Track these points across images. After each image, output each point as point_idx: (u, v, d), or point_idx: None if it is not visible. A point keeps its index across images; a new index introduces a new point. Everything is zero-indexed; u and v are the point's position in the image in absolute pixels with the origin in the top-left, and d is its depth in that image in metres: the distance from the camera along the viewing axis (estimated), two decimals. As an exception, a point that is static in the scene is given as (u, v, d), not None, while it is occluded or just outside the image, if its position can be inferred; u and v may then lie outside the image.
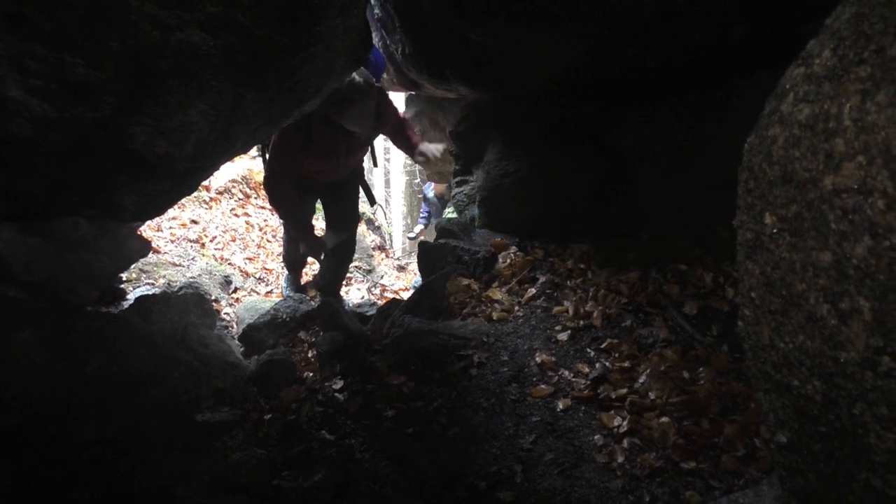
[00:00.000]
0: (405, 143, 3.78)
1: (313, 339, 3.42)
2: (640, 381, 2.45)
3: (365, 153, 3.87)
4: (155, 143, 2.45)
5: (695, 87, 2.80)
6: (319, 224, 4.76)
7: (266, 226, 5.46)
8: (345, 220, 3.99)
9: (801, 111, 0.95)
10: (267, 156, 3.76)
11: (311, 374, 3.10)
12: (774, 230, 1.03)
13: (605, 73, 2.70)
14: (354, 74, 3.12)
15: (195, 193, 5.38)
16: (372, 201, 4.12)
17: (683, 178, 2.89)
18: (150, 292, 3.58)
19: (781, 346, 1.10)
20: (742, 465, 2.09)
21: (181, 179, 2.84)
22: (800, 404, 1.13)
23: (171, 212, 4.86)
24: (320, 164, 3.56)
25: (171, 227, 4.73)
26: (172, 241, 4.54)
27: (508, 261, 3.24)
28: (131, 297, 3.54)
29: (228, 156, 2.87)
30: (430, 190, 7.44)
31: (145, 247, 3.44)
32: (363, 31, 2.59)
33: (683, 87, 2.82)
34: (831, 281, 0.95)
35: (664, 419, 2.28)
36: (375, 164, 4.17)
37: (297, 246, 3.95)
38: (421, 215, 7.98)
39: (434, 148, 3.69)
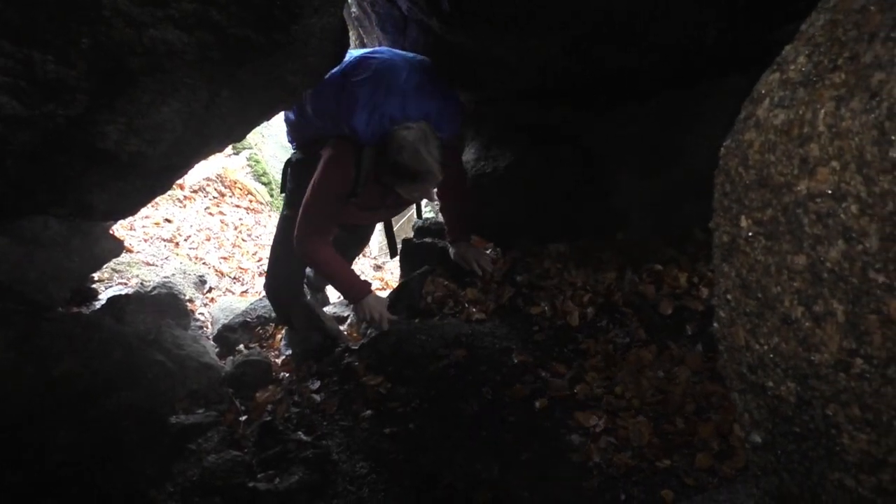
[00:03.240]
0: (452, 210, 3.23)
1: (291, 340, 3.39)
2: (617, 380, 2.47)
3: (406, 207, 3.39)
4: (128, 142, 2.42)
5: (669, 89, 2.83)
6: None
7: (241, 224, 5.41)
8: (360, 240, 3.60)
9: (776, 116, 0.96)
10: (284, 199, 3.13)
11: (287, 375, 3.08)
12: (750, 233, 1.04)
13: (582, 74, 2.71)
14: (424, 148, 2.54)
15: (169, 192, 5.30)
16: (393, 252, 3.50)
17: (658, 179, 2.92)
18: (122, 292, 3.52)
19: (756, 347, 1.11)
20: (717, 463, 2.11)
21: (154, 178, 2.80)
22: (774, 405, 1.15)
23: (144, 210, 4.77)
24: (355, 215, 2.97)
25: (144, 226, 4.66)
26: (146, 241, 4.48)
27: (484, 262, 3.25)
28: (103, 297, 3.48)
29: (203, 154, 2.84)
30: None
31: (118, 247, 3.39)
32: (340, 31, 2.57)
33: (658, 89, 2.84)
34: (806, 284, 0.96)
35: (640, 418, 2.31)
36: (420, 216, 3.78)
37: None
38: None
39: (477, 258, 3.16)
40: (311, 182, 2.74)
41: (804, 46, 0.95)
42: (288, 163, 3.15)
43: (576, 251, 3.09)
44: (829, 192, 0.88)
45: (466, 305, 3.05)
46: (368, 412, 2.64)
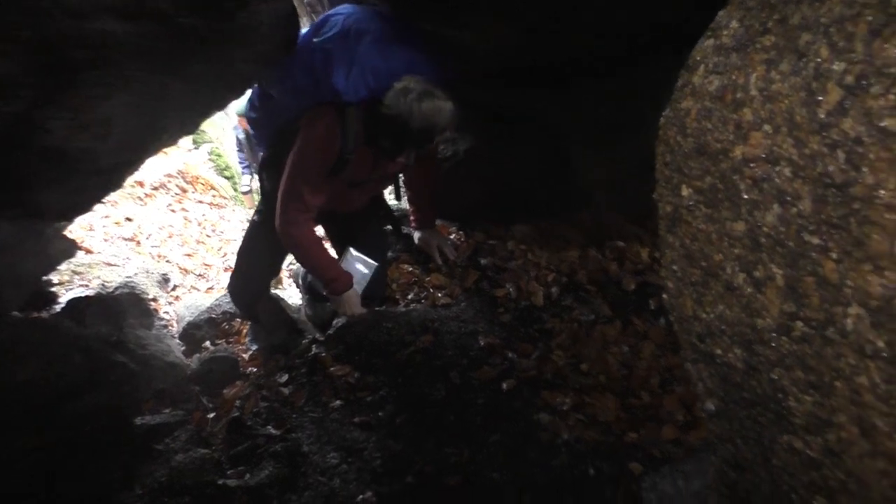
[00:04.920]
0: (420, 196, 3.14)
1: (257, 334, 3.35)
2: (583, 358, 2.49)
3: (388, 183, 3.16)
4: (76, 138, 2.35)
5: (628, 64, 2.82)
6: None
7: (205, 220, 5.33)
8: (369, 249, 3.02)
9: (711, 83, 0.96)
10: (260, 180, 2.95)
11: (255, 370, 3.05)
12: (691, 202, 1.04)
13: (543, 55, 2.71)
14: (432, 102, 2.37)
15: (129, 190, 5.20)
16: (396, 228, 3.33)
17: (620, 155, 2.93)
18: (83, 294, 3.45)
19: (703, 316, 1.12)
20: (682, 434, 2.14)
21: (107, 174, 2.74)
22: (724, 372, 1.16)
23: (103, 209, 4.70)
24: (338, 196, 2.75)
25: (104, 226, 4.57)
26: (106, 241, 4.39)
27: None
28: (64, 300, 3.41)
29: (156, 148, 2.78)
30: (239, 129, 5.70)
31: (71, 247, 3.31)
32: (291, 17, 2.53)
33: (618, 64, 2.84)
34: (746, 250, 0.97)
35: (606, 394, 2.32)
36: (398, 198, 3.49)
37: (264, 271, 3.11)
38: (240, 164, 6.06)
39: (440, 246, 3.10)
40: (291, 155, 2.55)
41: (736, 11, 0.95)
42: (260, 166, 2.97)
43: (539, 231, 3.10)
44: (763, 156, 0.88)
45: (431, 291, 3.03)
46: (337, 402, 2.62)
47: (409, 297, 3.08)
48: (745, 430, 1.20)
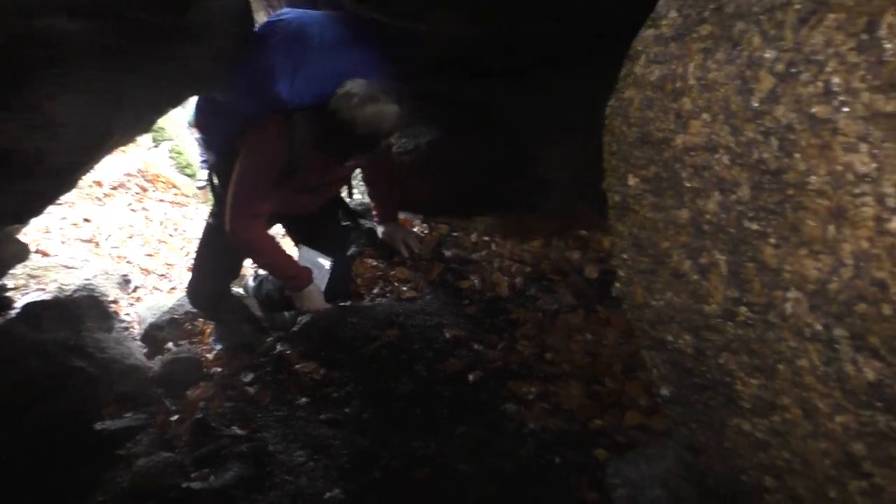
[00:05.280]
0: (380, 191, 3.09)
1: (221, 334, 3.31)
2: (547, 347, 2.50)
3: (343, 185, 3.09)
4: (28, 138, 2.30)
5: (588, 53, 2.84)
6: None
7: (167, 219, 5.24)
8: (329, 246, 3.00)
9: (652, 72, 0.96)
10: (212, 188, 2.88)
11: (219, 370, 3.00)
12: (638, 191, 1.05)
13: (497, 46, 2.71)
14: (375, 106, 2.35)
15: (87, 190, 5.08)
16: (356, 223, 3.29)
17: (579, 145, 2.94)
18: (39, 298, 3.36)
19: (654, 303, 1.13)
20: (646, 419, 2.16)
21: (61, 175, 2.68)
22: (675, 358, 1.17)
23: (60, 211, 4.59)
24: (290, 202, 2.72)
25: (61, 228, 4.46)
26: (63, 243, 4.29)
27: (413, 239, 3.23)
28: (19, 304, 3.32)
29: (110, 148, 2.73)
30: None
31: (23, 251, 3.23)
32: (245, 11, 2.49)
33: (574, 55, 2.85)
34: (690, 237, 0.98)
35: (571, 382, 2.34)
36: (350, 195, 3.34)
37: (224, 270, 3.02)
38: (200, 159, 5.91)
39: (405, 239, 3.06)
40: (238, 164, 2.52)
41: (675, 1, 0.96)
42: (211, 169, 2.92)
43: (503, 222, 3.11)
44: (703, 144, 0.89)
45: (396, 284, 3.03)
46: (304, 400, 2.60)
47: (374, 291, 3.07)
48: (698, 414, 1.22)
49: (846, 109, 0.68)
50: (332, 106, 2.35)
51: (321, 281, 2.81)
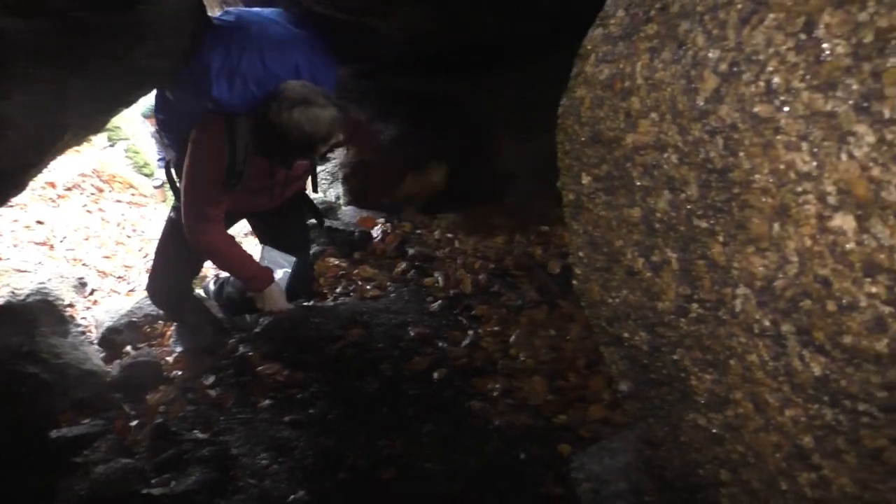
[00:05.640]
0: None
1: (182, 336, 3.25)
2: (511, 343, 2.51)
3: (307, 179, 2.99)
4: (-31, 142, 2.22)
5: (543, 49, 2.85)
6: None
7: (124, 220, 5.11)
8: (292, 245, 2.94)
9: (601, 72, 0.96)
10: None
11: (180, 373, 2.95)
12: (591, 190, 1.05)
13: (456, 41, 2.70)
14: (311, 111, 2.28)
15: (40, 191, 4.93)
16: (320, 221, 3.14)
17: (540, 141, 2.95)
18: (-9, 305, 3.26)
19: (610, 301, 1.14)
20: (609, 413, 2.18)
21: (7, 177, 2.60)
22: (632, 354, 1.18)
23: (11, 214, 4.44)
24: (246, 201, 2.69)
25: (13, 230, 4.32)
26: (15, 246, 4.15)
27: (377, 237, 3.21)
28: (-31, 312, 3.22)
29: (59, 149, 2.64)
30: (152, 127, 5.17)
31: (-26, 256, 3.13)
32: (197, 8, 2.43)
33: (533, 50, 2.86)
34: (642, 235, 0.98)
35: (535, 378, 2.35)
36: (315, 190, 3.20)
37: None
38: (158, 157, 5.66)
39: None
40: (184, 170, 2.50)
41: (622, 0, 0.96)
42: (168, 166, 2.87)
43: (466, 219, 3.11)
44: (652, 143, 0.89)
45: (360, 283, 3.01)
46: (267, 402, 2.57)
47: (338, 290, 3.04)
48: (655, 409, 1.23)
49: (787, 109, 0.68)
50: (263, 109, 2.31)
51: (283, 281, 2.77)
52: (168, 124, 2.75)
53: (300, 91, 2.31)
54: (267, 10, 2.61)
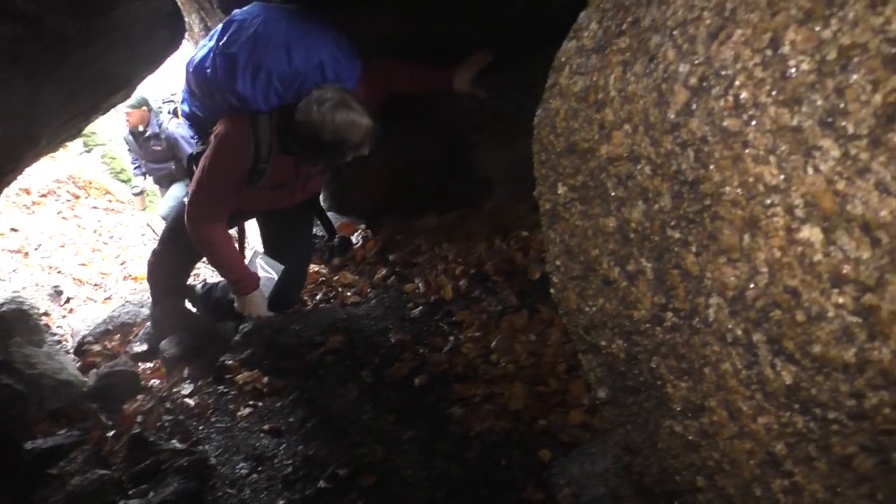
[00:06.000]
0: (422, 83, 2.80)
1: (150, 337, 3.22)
2: (492, 349, 2.51)
3: (325, 177, 2.96)
4: (-58, 149, 2.19)
5: (520, 55, 2.86)
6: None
7: (100, 227, 5.05)
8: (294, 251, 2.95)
9: (575, 83, 0.97)
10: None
11: (157, 382, 2.93)
12: (567, 200, 1.06)
13: (429, 46, 2.70)
14: (347, 113, 2.27)
15: (14, 198, 4.86)
16: (331, 233, 3.10)
17: (517, 146, 2.96)
18: (-37, 315, 3.21)
19: (587, 309, 1.15)
20: (589, 418, 2.19)
21: (-20, 187, 2.56)
22: (609, 362, 1.19)
23: (-18, 222, 4.39)
24: (266, 198, 2.69)
25: (-15, 238, 4.27)
26: (-12, 254, 4.11)
27: (357, 243, 3.21)
28: (-59, 322, 3.16)
29: (34, 155, 2.62)
30: (126, 130, 5.32)
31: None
32: (172, 15, 2.42)
33: (510, 56, 2.87)
34: (618, 245, 0.99)
35: (516, 383, 2.35)
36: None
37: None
38: (133, 164, 5.65)
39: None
40: (202, 163, 2.48)
41: (595, 13, 0.97)
42: (192, 157, 2.79)
43: (446, 224, 3.11)
44: (625, 154, 0.90)
45: (340, 290, 3.00)
46: (246, 410, 2.56)
47: (318, 297, 3.03)
48: (633, 416, 1.24)
49: (755, 123, 0.70)
50: (301, 107, 2.30)
51: (268, 289, 2.76)
52: (192, 117, 2.71)
53: (342, 94, 2.31)
54: (286, 6, 2.57)
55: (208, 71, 2.42)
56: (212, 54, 2.42)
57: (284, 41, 2.36)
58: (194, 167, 2.74)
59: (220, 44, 2.39)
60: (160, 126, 5.12)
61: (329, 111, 2.27)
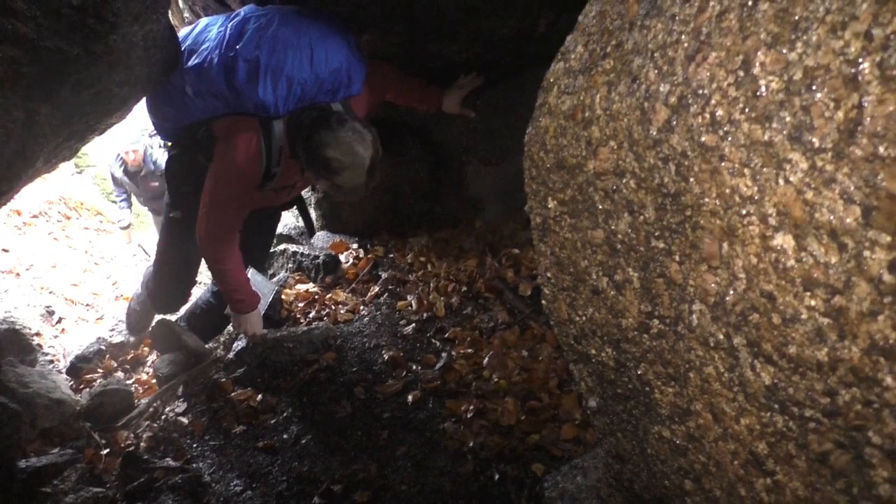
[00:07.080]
0: (413, 98, 2.79)
1: (152, 363, 3.23)
2: (484, 365, 2.55)
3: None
4: (-63, 170, 2.21)
5: (507, 76, 2.93)
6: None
7: (91, 247, 5.05)
8: (266, 244, 3.02)
9: (563, 103, 1.03)
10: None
11: (151, 400, 2.93)
12: (557, 213, 1.11)
13: (419, 67, 2.77)
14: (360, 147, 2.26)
15: (5, 219, 4.87)
16: (311, 231, 3.12)
17: (505, 164, 3.03)
18: (-45, 335, 3.20)
19: (577, 319, 1.19)
20: (581, 432, 2.23)
21: (-24, 208, 2.57)
22: (599, 371, 1.23)
23: (-26, 242, 4.39)
24: (270, 198, 2.67)
25: (-24, 259, 4.27)
26: (-21, 275, 4.11)
27: (350, 261, 3.24)
28: (-67, 343, 3.15)
29: (28, 177, 2.63)
30: (118, 166, 5.42)
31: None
32: (168, 38, 2.46)
33: (497, 77, 2.94)
34: (606, 256, 1.04)
35: (508, 399, 2.38)
36: (314, 189, 3.23)
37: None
38: (119, 198, 5.79)
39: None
40: (213, 176, 2.43)
41: (581, 36, 1.02)
42: (168, 162, 2.75)
43: (437, 243, 3.15)
44: (611, 169, 0.95)
45: (333, 307, 3.03)
46: (240, 427, 2.57)
47: (311, 315, 3.06)
48: (622, 423, 1.28)
49: (730, 138, 0.75)
50: (308, 120, 2.30)
51: (261, 308, 2.79)
52: (169, 117, 2.62)
53: (362, 125, 2.31)
54: (287, 8, 2.51)
55: (219, 77, 2.35)
56: (222, 55, 2.34)
57: (308, 44, 2.34)
58: (171, 177, 2.72)
59: (239, 47, 2.32)
60: (155, 163, 5.19)
61: (345, 147, 2.25)
